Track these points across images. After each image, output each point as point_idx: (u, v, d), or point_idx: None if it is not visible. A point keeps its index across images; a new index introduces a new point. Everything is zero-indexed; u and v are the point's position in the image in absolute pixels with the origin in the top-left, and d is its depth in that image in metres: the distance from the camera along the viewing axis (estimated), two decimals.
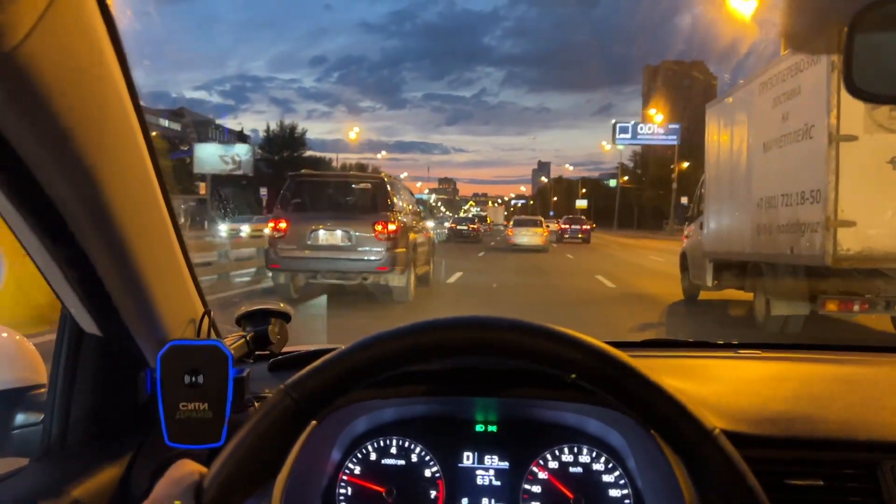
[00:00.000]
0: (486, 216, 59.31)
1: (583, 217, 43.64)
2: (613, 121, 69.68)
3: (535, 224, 28.78)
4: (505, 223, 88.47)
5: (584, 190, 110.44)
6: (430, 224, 16.79)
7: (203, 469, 0.71)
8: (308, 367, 0.69)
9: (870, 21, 0.82)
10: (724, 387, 1.08)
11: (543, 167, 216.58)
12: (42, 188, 0.76)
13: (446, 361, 0.85)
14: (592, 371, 0.68)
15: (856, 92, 0.83)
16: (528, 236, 27.34)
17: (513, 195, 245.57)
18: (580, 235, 36.48)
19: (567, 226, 38.75)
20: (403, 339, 0.69)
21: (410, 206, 11.51)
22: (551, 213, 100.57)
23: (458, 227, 35.69)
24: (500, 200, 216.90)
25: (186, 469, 0.72)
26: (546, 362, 0.68)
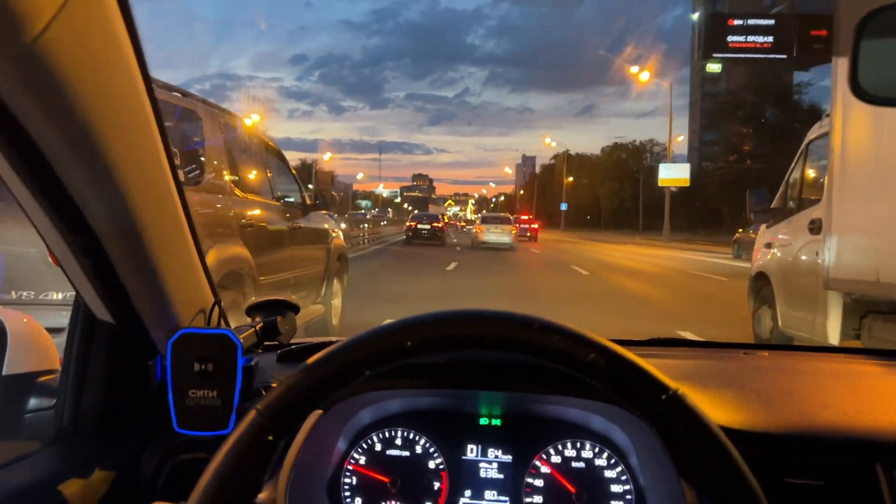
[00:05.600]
0: (462, 214, 57.90)
1: (532, 217, 48.53)
2: (696, 14, 42.44)
3: (504, 221, 29.22)
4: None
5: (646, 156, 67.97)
6: (340, 225, 9.25)
7: None
8: (277, 386, 0.69)
9: (875, 25, 0.84)
10: (728, 387, 1.08)
11: (528, 161, 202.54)
12: (59, 178, 0.76)
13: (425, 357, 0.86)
14: (545, 347, 0.67)
15: (861, 94, 0.84)
16: (496, 234, 27.46)
17: (491, 184, 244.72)
18: (528, 234, 41.22)
19: (518, 226, 45.15)
20: (363, 344, 0.68)
21: (256, 175, 5.28)
22: (563, 207, 73.61)
23: (418, 227, 29.78)
24: (475, 197, 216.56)
25: None
26: (487, 342, 0.67)
